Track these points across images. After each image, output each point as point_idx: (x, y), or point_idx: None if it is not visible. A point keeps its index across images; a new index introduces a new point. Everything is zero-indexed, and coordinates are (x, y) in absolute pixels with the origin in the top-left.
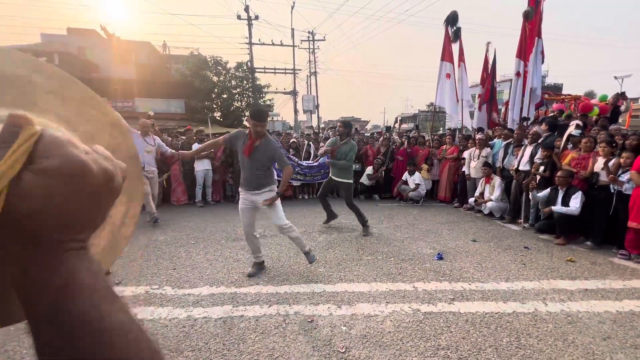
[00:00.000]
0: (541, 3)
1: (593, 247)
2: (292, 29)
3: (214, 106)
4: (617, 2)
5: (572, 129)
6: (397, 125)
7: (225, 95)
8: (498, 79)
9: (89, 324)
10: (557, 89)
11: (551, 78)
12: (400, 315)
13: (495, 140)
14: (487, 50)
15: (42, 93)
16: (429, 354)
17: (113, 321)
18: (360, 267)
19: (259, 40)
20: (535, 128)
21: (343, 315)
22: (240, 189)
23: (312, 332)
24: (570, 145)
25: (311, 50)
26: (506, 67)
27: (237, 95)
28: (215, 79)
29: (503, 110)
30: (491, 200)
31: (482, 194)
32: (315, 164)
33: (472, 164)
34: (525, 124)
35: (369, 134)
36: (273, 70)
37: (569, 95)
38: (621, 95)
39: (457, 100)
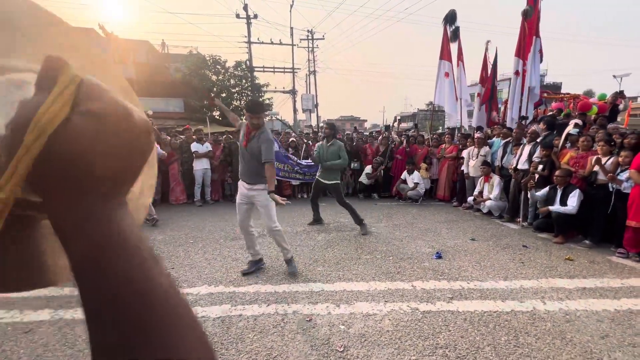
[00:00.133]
0: (539, 2)
1: (591, 245)
2: (291, 28)
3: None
4: (616, 2)
5: (570, 128)
6: (396, 124)
7: (224, 95)
8: (497, 77)
9: (133, 284)
10: (556, 87)
11: (550, 77)
12: (398, 314)
13: (494, 139)
14: (486, 49)
15: (63, 50)
16: (427, 353)
17: (155, 284)
18: (358, 266)
19: (258, 39)
20: (534, 127)
21: (341, 314)
22: (239, 182)
23: (311, 331)
24: (568, 144)
25: (310, 49)
26: (505, 66)
27: (236, 95)
28: (214, 78)
29: (502, 109)
30: (490, 199)
31: (481, 192)
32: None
33: (471, 163)
34: (524, 122)
35: (368, 133)
36: (272, 69)
37: (568, 94)
38: (620, 94)
39: (456, 99)
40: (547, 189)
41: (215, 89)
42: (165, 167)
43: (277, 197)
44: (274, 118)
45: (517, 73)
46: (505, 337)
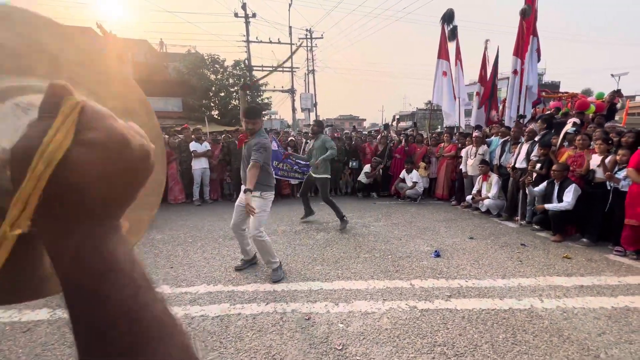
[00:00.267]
0: (536, 1)
1: (589, 243)
2: (290, 27)
3: (212, 105)
4: (615, 2)
5: (568, 127)
6: (395, 124)
7: (223, 94)
8: (498, 76)
9: (127, 313)
10: (554, 86)
11: (548, 76)
12: (397, 313)
13: (493, 137)
14: (485, 48)
15: (73, 65)
16: (425, 351)
17: (150, 312)
18: (357, 264)
19: (257, 38)
20: (532, 126)
21: (340, 313)
22: (242, 185)
23: (309, 330)
24: (566, 143)
25: (309, 48)
26: (503, 65)
27: (234, 94)
28: (212, 77)
29: (501, 108)
30: (488, 197)
31: (479, 191)
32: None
33: (469, 162)
34: (522, 121)
35: (366, 132)
36: (271, 68)
37: (566, 93)
38: (617, 93)
39: (455, 98)
40: (544, 184)
41: (213, 88)
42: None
43: (249, 198)
44: (272, 117)
45: (515, 72)
46: (503, 335)
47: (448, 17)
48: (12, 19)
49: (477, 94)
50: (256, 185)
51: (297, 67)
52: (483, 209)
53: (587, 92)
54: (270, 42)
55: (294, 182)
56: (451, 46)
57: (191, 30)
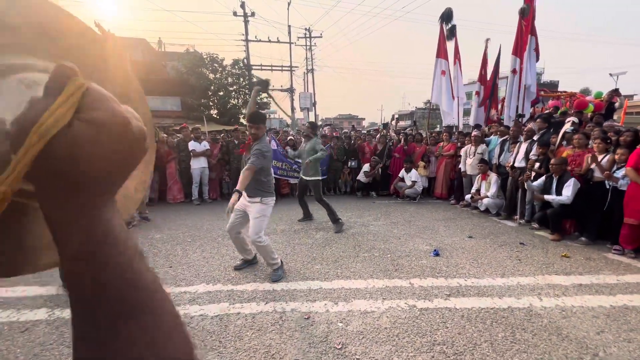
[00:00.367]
0: (534, 0)
1: (587, 242)
2: (289, 26)
3: (211, 104)
4: (614, 2)
5: (567, 126)
6: (394, 123)
7: (221, 93)
8: (499, 75)
9: (124, 279)
10: (553, 86)
11: (547, 75)
12: (396, 312)
13: (492, 137)
14: (486, 47)
15: (74, 48)
16: (424, 350)
17: (144, 278)
18: (356, 263)
19: (256, 37)
20: (530, 125)
21: (339, 312)
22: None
23: (309, 329)
24: (564, 142)
25: (308, 47)
26: (502, 64)
27: (233, 93)
28: (211, 76)
29: (500, 107)
30: (487, 196)
31: (478, 190)
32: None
33: (468, 161)
34: (520, 120)
35: (366, 131)
36: (270, 68)
37: (565, 92)
38: (615, 92)
39: (453, 97)
40: (543, 178)
41: (212, 87)
42: (162, 165)
43: (232, 201)
44: (271, 116)
45: (514, 71)
46: (502, 334)
47: (446, 16)
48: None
49: (477, 93)
50: (256, 191)
51: (296, 66)
52: (482, 208)
53: (586, 92)
54: (270, 41)
55: (293, 181)
56: (450, 45)
57: (190, 29)
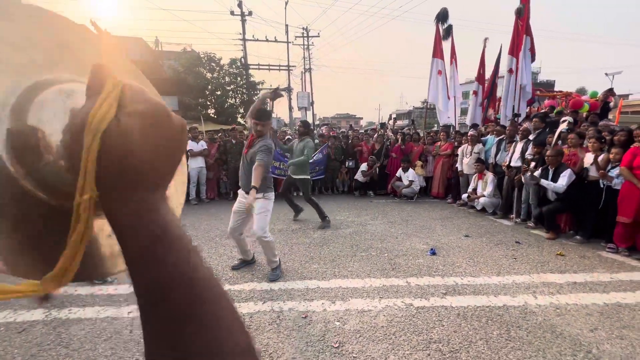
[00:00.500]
0: (529, 0)
1: (582, 241)
2: (286, 25)
3: (208, 103)
4: (613, 2)
5: (563, 126)
6: (391, 122)
7: (219, 92)
8: (498, 74)
9: (182, 275)
10: (549, 85)
11: (543, 75)
12: (393, 310)
13: (488, 136)
14: (484, 47)
15: (93, 61)
16: (421, 348)
17: (202, 274)
18: (354, 263)
19: (253, 36)
20: (526, 124)
21: (337, 311)
22: (239, 191)
23: (306, 328)
24: (560, 142)
25: (305, 46)
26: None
27: (231, 92)
28: (209, 75)
29: (497, 106)
30: (484, 196)
31: (474, 189)
32: (310, 161)
33: (465, 161)
34: (516, 120)
35: (363, 131)
36: (267, 67)
37: (561, 92)
38: (610, 92)
39: (449, 97)
40: (539, 170)
41: (210, 87)
42: None
43: (254, 194)
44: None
45: (510, 71)
46: (497, 331)
47: (442, 16)
48: (40, 18)
49: (475, 92)
50: (264, 185)
51: (293, 66)
52: (478, 207)
53: (581, 91)
54: (267, 40)
55: None
56: (446, 45)
57: (187, 28)
